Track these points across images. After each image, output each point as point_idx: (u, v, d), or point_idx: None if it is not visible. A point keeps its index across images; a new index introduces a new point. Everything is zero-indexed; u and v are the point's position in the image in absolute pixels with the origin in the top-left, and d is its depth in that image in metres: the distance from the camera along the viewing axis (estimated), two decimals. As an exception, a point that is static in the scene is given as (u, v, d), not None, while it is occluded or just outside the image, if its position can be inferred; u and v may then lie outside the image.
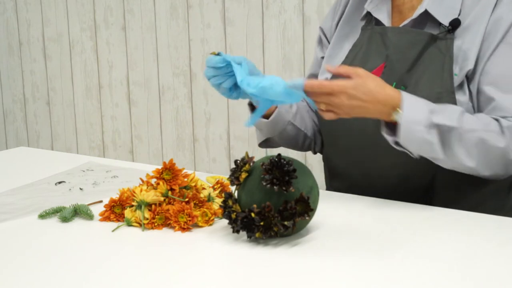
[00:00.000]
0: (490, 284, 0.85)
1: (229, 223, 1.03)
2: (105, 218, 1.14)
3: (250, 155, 1.06)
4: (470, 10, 1.26)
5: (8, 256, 0.99)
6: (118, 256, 0.99)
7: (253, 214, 0.99)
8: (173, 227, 1.09)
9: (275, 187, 0.98)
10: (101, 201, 1.24)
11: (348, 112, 1.15)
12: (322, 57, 1.49)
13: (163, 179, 1.13)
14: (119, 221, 1.13)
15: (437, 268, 0.91)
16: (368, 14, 1.37)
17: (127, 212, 1.11)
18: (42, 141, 3.44)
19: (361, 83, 1.13)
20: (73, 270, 0.93)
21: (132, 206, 1.13)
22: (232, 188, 1.22)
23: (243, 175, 1.03)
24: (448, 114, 1.16)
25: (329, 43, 1.48)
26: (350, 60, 1.37)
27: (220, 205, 1.04)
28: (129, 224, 1.11)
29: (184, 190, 1.14)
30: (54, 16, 3.25)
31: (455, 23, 1.25)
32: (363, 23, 1.39)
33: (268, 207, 0.98)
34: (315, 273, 0.89)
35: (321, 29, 1.51)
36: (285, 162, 1.00)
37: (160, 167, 1.15)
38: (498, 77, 1.22)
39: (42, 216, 1.16)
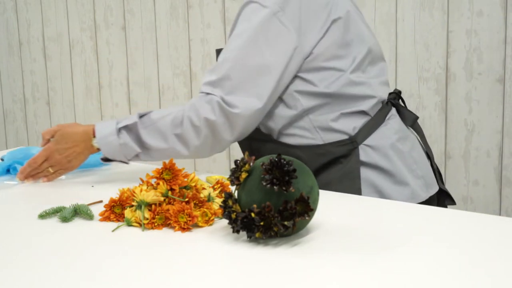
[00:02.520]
0: (490, 284, 0.85)
1: (229, 223, 1.03)
2: (105, 218, 1.14)
3: (250, 155, 1.06)
4: None
5: (8, 256, 0.99)
6: (118, 256, 0.99)
7: (253, 214, 0.99)
8: (173, 227, 1.09)
9: (275, 187, 0.98)
10: (101, 201, 1.24)
11: (70, 162, 1.42)
12: None
13: (163, 179, 1.13)
14: (119, 221, 1.13)
15: (437, 268, 0.91)
16: None
17: (127, 212, 1.11)
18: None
19: (59, 135, 1.41)
20: (73, 270, 0.93)
21: (132, 206, 1.13)
22: (232, 188, 1.22)
23: (243, 175, 1.03)
24: (130, 117, 1.38)
25: None
26: None
27: (220, 205, 1.04)
28: (129, 224, 1.11)
29: (184, 190, 1.14)
30: (54, 16, 3.25)
31: None
32: None
33: (268, 207, 0.98)
34: (315, 273, 0.89)
35: None
36: (285, 162, 1.00)
37: (160, 167, 1.15)
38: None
39: (42, 216, 1.16)
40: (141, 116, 1.37)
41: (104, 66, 3.11)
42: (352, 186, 1.33)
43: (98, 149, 1.40)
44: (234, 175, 1.04)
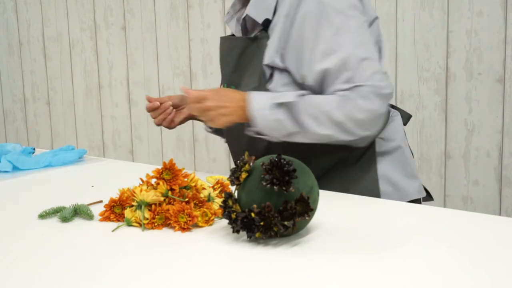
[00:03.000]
0: (490, 284, 0.85)
1: (229, 223, 1.03)
2: (105, 218, 1.14)
3: (250, 155, 1.06)
4: (279, 9, 1.37)
5: (8, 256, 0.99)
6: (118, 256, 0.99)
7: (253, 214, 0.99)
8: (173, 227, 1.09)
9: (275, 187, 0.98)
10: (101, 201, 1.24)
11: (218, 117, 1.33)
12: None
13: (163, 179, 1.13)
14: (119, 221, 1.13)
15: (437, 268, 0.91)
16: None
17: (127, 212, 1.11)
18: (42, 141, 3.44)
19: (214, 91, 1.34)
20: (73, 270, 0.93)
21: (132, 206, 1.13)
22: (232, 188, 1.22)
23: (243, 175, 1.03)
24: (286, 94, 1.32)
25: None
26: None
27: (220, 205, 1.04)
28: (129, 224, 1.11)
29: (184, 190, 1.14)
30: (54, 16, 3.25)
31: (266, 23, 1.39)
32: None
33: (268, 207, 0.98)
34: (315, 273, 0.89)
35: None
36: (285, 162, 1.00)
37: (160, 167, 1.15)
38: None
39: (42, 216, 1.16)
40: (299, 96, 1.31)
41: (104, 66, 3.11)
42: (369, 178, 1.38)
43: (247, 119, 1.33)
44: (234, 175, 1.04)
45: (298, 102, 1.30)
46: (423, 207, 1.19)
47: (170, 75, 2.89)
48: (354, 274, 0.89)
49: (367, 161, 1.40)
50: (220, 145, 2.79)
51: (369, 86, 1.28)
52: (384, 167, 1.40)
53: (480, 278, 0.87)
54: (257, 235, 0.99)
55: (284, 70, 1.37)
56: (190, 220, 1.08)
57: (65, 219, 1.14)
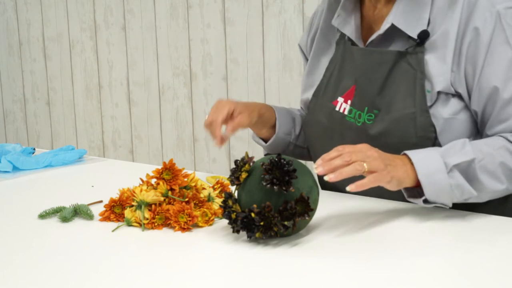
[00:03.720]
0: (490, 284, 0.85)
1: (229, 223, 1.03)
2: (105, 218, 1.14)
3: (250, 155, 1.06)
4: (440, 20, 1.20)
5: (8, 256, 0.99)
6: (118, 256, 0.99)
7: (253, 214, 0.99)
8: (173, 227, 1.09)
9: (275, 187, 0.98)
10: (101, 201, 1.24)
11: (386, 169, 1.06)
12: None
13: (163, 179, 1.13)
14: (119, 221, 1.13)
15: (437, 267, 0.91)
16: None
17: (127, 212, 1.11)
18: (42, 141, 3.44)
19: (380, 153, 1.07)
20: (73, 270, 0.93)
21: (132, 206, 1.13)
22: (232, 188, 1.22)
23: (243, 175, 1.03)
24: (458, 151, 1.11)
25: (307, 59, 1.45)
26: (327, 79, 1.34)
27: (220, 205, 1.04)
28: (129, 224, 1.11)
29: (184, 190, 1.14)
30: (54, 16, 3.25)
31: (424, 35, 1.19)
32: (337, 36, 1.34)
33: (268, 207, 0.98)
34: (315, 273, 0.89)
35: (299, 47, 1.49)
36: (285, 162, 1.00)
37: (160, 167, 1.15)
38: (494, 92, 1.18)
39: (42, 216, 1.16)
40: (474, 150, 1.12)
41: (104, 66, 3.11)
42: None
43: (417, 185, 1.10)
44: (234, 175, 1.04)
45: (475, 159, 1.10)
46: (423, 208, 1.19)
47: (170, 75, 2.89)
48: (354, 274, 0.89)
49: None
50: (220, 145, 2.79)
51: None
52: None
53: (480, 278, 0.87)
54: (257, 235, 0.99)
55: (456, 95, 1.19)
56: (190, 220, 1.08)
57: (65, 219, 1.14)
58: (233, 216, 1.01)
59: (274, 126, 1.42)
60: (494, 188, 1.13)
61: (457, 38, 1.18)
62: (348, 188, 1.02)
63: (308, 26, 1.47)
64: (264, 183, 0.98)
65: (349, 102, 1.27)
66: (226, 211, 1.03)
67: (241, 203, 1.03)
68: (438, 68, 1.19)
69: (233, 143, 2.72)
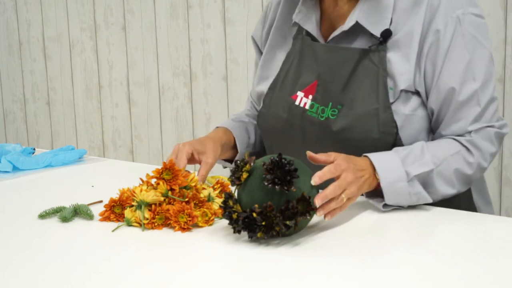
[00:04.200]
0: (490, 284, 0.85)
1: (229, 224, 1.02)
2: (105, 218, 1.14)
3: (250, 156, 1.06)
4: (403, 21, 1.23)
5: (8, 256, 0.99)
6: (118, 256, 0.99)
7: (254, 214, 0.98)
8: (173, 227, 1.09)
9: (276, 186, 0.98)
10: (101, 201, 1.24)
11: (359, 190, 1.11)
12: None
13: (163, 179, 1.13)
14: (119, 221, 1.13)
15: (437, 267, 0.90)
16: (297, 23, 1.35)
17: (127, 212, 1.11)
18: (42, 141, 3.44)
19: (345, 156, 1.12)
20: (73, 270, 0.93)
21: (132, 206, 1.12)
22: (232, 189, 1.22)
23: (244, 175, 1.03)
24: (418, 159, 1.16)
25: (261, 52, 1.46)
26: (284, 73, 1.35)
27: (220, 206, 1.04)
28: (129, 224, 1.11)
29: (184, 190, 1.14)
30: (54, 16, 3.25)
31: (386, 34, 1.23)
32: (294, 30, 1.36)
33: (270, 206, 0.98)
34: (316, 273, 0.89)
35: (253, 39, 1.50)
36: (286, 161, 1.00)
37: (160, 167, 1.15)
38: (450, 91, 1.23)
39: (42, 216, 1.16)
40: (433, 160, 1.17)
41: (104, 66, 3.11)
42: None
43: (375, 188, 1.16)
44: (235, 175, 1.04)
45: (434, 168, 1.17)
46: (423, 208, 1.19)
47: (170, 75, 2.89)
48: (355, 273, 0.89)
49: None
50: (220, 145, 2.79)
51: (495, 127, 1.23)
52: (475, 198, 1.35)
53: (480, 278, 0.87)
54: (258, 235, 0.99)
55: (415, 93, 1.24)
56: (190, 220, 1.08)
57: (65, 219, 1.14)
58: (234, 216, 1.01)
59: (234, 146, 1.44)
60: (446, 192, 1.20)
61: (420, 38, 1.22)
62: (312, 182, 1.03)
63: (263, 18, 1.47)
64: (266, 183, 0.98)
65: (310, 97, 1.29)
66: (227, 211, 1.02)
67: (241, 203, 1.03)
68: (402, 66, 1.23)
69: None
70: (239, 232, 1.01)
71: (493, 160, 1.27)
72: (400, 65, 1.23)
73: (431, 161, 1.17)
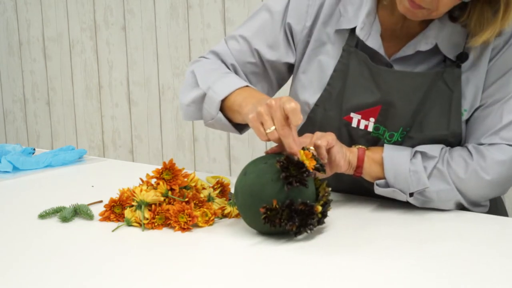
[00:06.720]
0: (490, 284, 0.85)
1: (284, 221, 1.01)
2: (105, 218, 1.14)
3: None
4: (476, 47, 1.19)
5: (8, 256, 0.99)
6: (118, 256, 0.99)
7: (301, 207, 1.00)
8: (173, 227, 1.09)
9: (295, 184, 0.99)
10: (101, 201, 1.24)
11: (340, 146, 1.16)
12: (285, 62, 1.31)
13: (163, 179, 1.13)
14: (119, 221, 1.13)
15: (437, 267, 0.91)
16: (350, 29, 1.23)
17: (127, 212, 1.11)
18: (42, 141, 3.44)
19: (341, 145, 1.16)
20: (73, 270, 0.93)
21: (132, 206, 1.13)
22: (232, 189, 1.22)
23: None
24: (429, 147, 1.18)
25: (295, 48, 1.30)
26: (335, 90, 1.24)
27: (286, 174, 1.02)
28: (129, 224, 1.11)
29: (184, 190, 1.14)
30: (54, 16, 3.25)
31: (463, 57, 1.19)
32: (339, 33, 1.25)
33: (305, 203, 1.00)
34: (316, 273, 0.89)
35: (290, 26, 1.28)
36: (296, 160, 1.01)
37: (160, 167, 1.15)
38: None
39: (42, 216, 1.16)
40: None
41: (104, 66, 3.11)
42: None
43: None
44: (319, 163, 1.05)
45: (439, 158, 1.17)
46: (424, 208, 1.19)
47: (170, 75, 2.89)
48: (355, 273, 0.89)
49: None
50: (220, 145, 2.79)
51: None
52: None
53: (480, 278, 0.87)
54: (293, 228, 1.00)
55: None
56: (190, 220, 1.08)
57: (65, 219, 1.14)
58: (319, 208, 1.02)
59: None
60: (441, 188, 1.16)
61: (490, 56, 1.19)
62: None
63: (306, 7, 1.27)
64: (285, 182, 0.99)
65: (372, 119, 1.22)
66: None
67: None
68: (474, 88, 1.20)
69: (233, 143, 2.72)
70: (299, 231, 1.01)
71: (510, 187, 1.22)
72: (474, 87, 1.20)
73: (438, 151, 1.17)
